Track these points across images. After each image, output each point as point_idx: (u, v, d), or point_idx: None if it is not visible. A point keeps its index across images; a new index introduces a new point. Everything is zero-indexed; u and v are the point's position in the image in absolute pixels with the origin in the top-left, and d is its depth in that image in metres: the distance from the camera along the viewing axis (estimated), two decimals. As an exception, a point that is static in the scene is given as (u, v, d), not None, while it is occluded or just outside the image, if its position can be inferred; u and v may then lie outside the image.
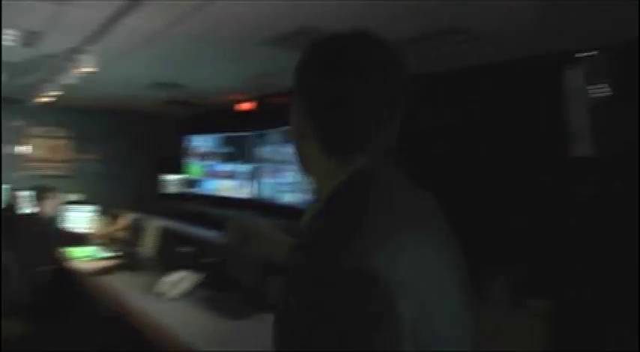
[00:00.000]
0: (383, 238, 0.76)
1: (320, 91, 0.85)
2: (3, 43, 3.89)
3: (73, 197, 6.71)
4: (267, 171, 5.73)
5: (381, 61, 0.84)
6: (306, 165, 0.94)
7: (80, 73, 4.01)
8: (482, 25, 3.27)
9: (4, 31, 3.59)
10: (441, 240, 0.87)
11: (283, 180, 5.34)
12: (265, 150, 5.80)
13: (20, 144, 7.56)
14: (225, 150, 6.69)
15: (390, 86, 0.84)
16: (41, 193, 4.37)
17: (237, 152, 6.45)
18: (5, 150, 7.41)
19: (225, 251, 3.27)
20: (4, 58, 4.42)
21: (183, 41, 3.80)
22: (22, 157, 7.58)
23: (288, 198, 5.19)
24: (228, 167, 6.59)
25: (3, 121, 7.34)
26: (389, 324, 0.71)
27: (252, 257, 2.79)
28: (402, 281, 0.73)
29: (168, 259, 3.73)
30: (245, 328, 2.54)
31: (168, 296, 2.96)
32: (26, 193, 4.85)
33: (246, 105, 6.43)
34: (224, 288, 3.16)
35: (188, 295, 3.03)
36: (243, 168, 6.30)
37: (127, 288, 3.22)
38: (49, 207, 4.38)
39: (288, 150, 5.18)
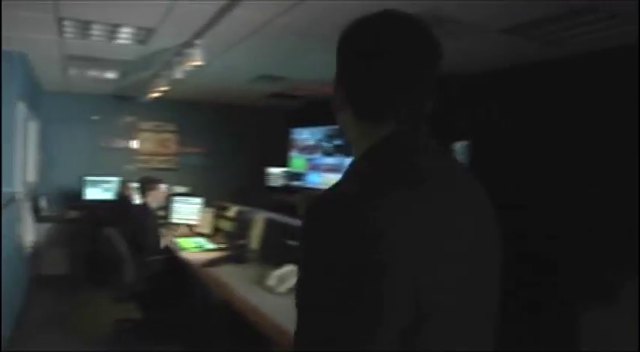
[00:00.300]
0: (392, 198, 0.81)
1: (351, 63, 0.96)
2: (119, 41, 4.09)
3: (180, 189, 7.00)
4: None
5: (407, 36, 0.92)
6: (346, 132, 1.01)
7: (189, 67, 4.12)
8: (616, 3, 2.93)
9: (121, 29, 3.76)
10: (464, 210, 0.89)
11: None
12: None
13: (131, 138, 8.01)
14: (330, 143, 6.65)
15: (416, 58, 0.91)
16: (147, 185, 4.56)
17: (342, 145, 6.39)
18: (117, 144, 7.89)
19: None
20: (120, 56, 4.67)
21: (287, 33, 3.77)
22: (133, 151, 8.03)
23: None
24: (333, 160, 6.55)
25: (117, 117, 7.83)
26: (379, 278, 0.76)
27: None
28: (401, 241, 0.78)
29: (274, 252, 3.74)
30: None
31: (278, 290, 2.94)
32: (136, 185, 5.09)
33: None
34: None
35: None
36: (346, 161, 6.23)
37: (235, 281, 3.24)
38: (154, 198, 4.55)
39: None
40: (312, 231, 0.85)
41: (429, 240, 0.81)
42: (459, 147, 3.82)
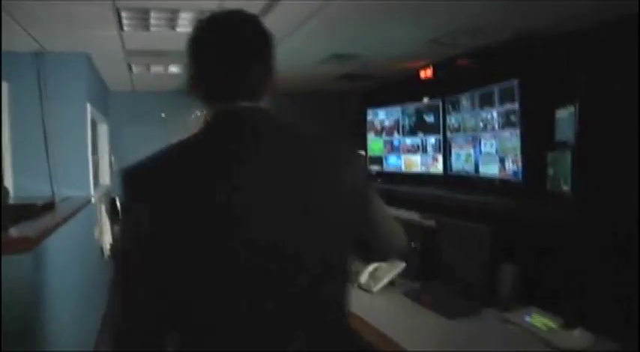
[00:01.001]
0: (172, 161, 1.11)
1: (188, 56, 1.19)
2: (179, 29, 3.97)
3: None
4: (459, 141, 5.22)
5: (218, 33, 1.14)
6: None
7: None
8: None
9: (180, 15, 3.63)
10: (268, 178, 1.05)
11: (478, 151, 4.81)
12: (455, 118, 5.30)
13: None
14: (409, 122, 6.31)
15: (224, 50, 1.12)
16: None
17: (422, 123, 6.03)
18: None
19: (431, 234, 2.91)
20: (182, 47, 4.56)
21: (357, 6, 3.51)
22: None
23: (486, 170, 4.65)
24: (414, 140, 6.21)
25: (186, 112, 7.85)
26: (132, 223, 1.08)
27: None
28: (174, 200, 1.03)
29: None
30: (471, 328, 2.16)
31: (370, 289, 2.69)
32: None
33: (426, 73, 5.99)
34: (432, 278, 2.81)
35: (391, 287, 2.73)
36: (430, 140, 5.87)
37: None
38: None
39: (484, 115, 4.64)
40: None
41: (180, 205, 1.02)
42: (564, 113, 3.39)
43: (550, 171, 3.42)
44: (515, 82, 4.12)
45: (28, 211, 3.27)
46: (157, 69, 5.70)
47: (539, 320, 2.05)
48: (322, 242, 1.11)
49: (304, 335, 1.09)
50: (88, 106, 4.71)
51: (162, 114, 7.68)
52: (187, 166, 1.09)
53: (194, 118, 7.94)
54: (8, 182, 4.43)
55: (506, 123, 4.28)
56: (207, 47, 1.16)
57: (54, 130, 4.49)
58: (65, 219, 3.12)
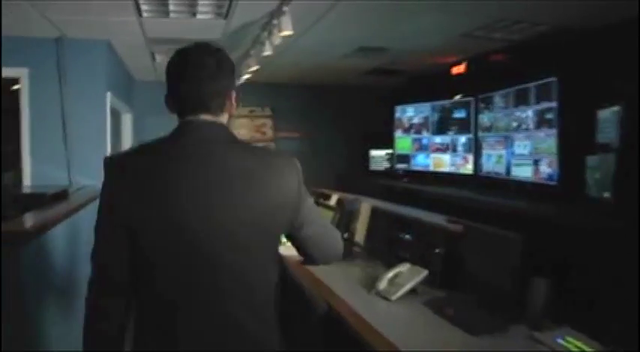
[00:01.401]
0: (136, 155, 1.38)
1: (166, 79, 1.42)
2: (199, 16, 3.85)
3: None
4: (490, 141, 4.98)
5: (180, 62, 1.38)
6: None
7: (279, 39, 3.79)
8: None
9: (199, 1, 3.51)
10: (191, 173, 1.30)
11: (510, 152, 4.57)
12: (486, 117, 5.06)
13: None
14: (438, 120, 6.08)
15: (185, 77, 1.36)
16: None
17: (453, 121, 5.80)
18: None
19: (457, 239, 2.70)
20: (203, 35, 4.45)
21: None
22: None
23: (518, 172, 4.41)
24: (443, 139, 5.98)
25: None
26: (103, 211, 1.33)
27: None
28: (136, 186, 1.28)
29: (383, 247, 3.31)
30: (496, 347, 1.96)
31: (388, 296, 2.50)
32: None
33: (458, 68, 5.76)
34: (457, 286, 2.61)
35: (411, 295, 2.53)
36: (461, 139, 5.64)
37: (337, 282, 2.85)
38: None
39: (518, 114, 4.40)
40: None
41: (141, 188, 1.28)
42: (607, 113, 3.14)
43: (589, 176, 3.19)
44: (553, 79, 3.87)
45: (38, 201, 3.18)
46: (180, 58, 5.58)
47: (573, 344, 1.84)
48: (250, 232, 1.33)
49: (235, 306, 1.34)
50: (109, 95, 4.61)
51: (187, 106, 7.58)
52: (148, 160, 1.34)
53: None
54: (26, 169, 4.37)
55: (541, 122, 4.03)
56: (174, 72, 1.40)
57: (73, 118, 4.43)
58: (69, 213, 3.00)
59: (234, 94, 1.45)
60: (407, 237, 3.12)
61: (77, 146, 4.40)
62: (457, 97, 5.77)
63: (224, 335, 1.34)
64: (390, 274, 2.60)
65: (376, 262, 3.19)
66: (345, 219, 3.46)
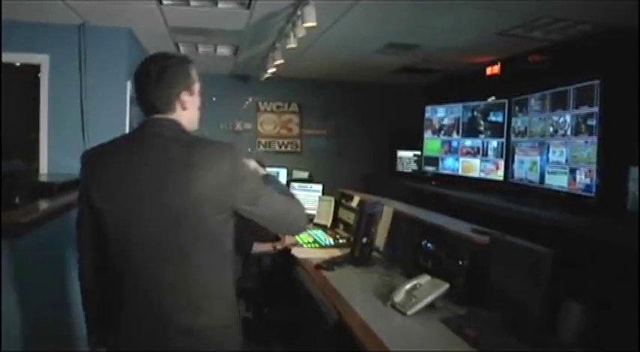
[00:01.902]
0: (95, 150, 1.63)
1: None
2: (220, 5, 3.72)
3: (300, 174, 6.63)
4: (524, 146, 4.73)
5: (138, 69, 1.62)
6: None
7: (304, 30, 3.64)
8: None
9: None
10: (144, 162, 1.54)
11: (545, 158, 4.32)
12: (520, 121, 4.81)
13: (251, 120, 7.82)
14: (470, 122, 5.84)
15: (140, 80, 1.61)
16: None
17: (485, 124, 5.55)
18: (238, 126, 7.75)
19: (482, 251, 2.50)
20: (226, 25, 4.33)
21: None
22: (254, 133, 7.85)
23: (553, 181, 4.16)
24: (474, 142, 5.73)
25: (237, 98, 7.67)
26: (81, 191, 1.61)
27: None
28: (96, 174, 1.56)
29: (404, 255, 3.13)
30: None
31: (404, 310, 2.32)
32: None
33: (493, 69, 5.52)
34: (479, 303, 2.41)
35: (429, 309, 2.35)
36: (492, 143, 5.39)
37: (351, 291, 2.69)
38: None
39: (555, 119, 4.15)
40: None
41: (100, 176, 1.55)
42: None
43: (632, 188, 2.95)
44: (596, 82, 3.61)
45: (48, 190, 3.10)
46: (205, 49, 5.51)
47: (609, 377, 1.65)
48: (193, 215, 1.53)
49: (182, 285, 1.56)
50: (129, 84, 4.52)
51: (214, 98, 7.51)
52: (111, 153, 1.60)
53: (248, 105, 7.76)
54: (43, 157, 4.32)
55: (580, 128, 3.78)
56: (136, 78, 1.62)
57: (92, 106, 4.36)
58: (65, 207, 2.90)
59: (186, 93, 1.63)
60: (429, 245, 2.93)
61: (95, 135, 4.32)
62: (491, 99, 5.52)
63: (161, 303, 1.56)
64: (408, 285, 2.43)
65: (395, 270, 3.03)
66: (364, 222, 3.28)
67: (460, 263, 2.57)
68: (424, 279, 2.45)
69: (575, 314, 1.91)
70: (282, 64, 5.10)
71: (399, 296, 2.39)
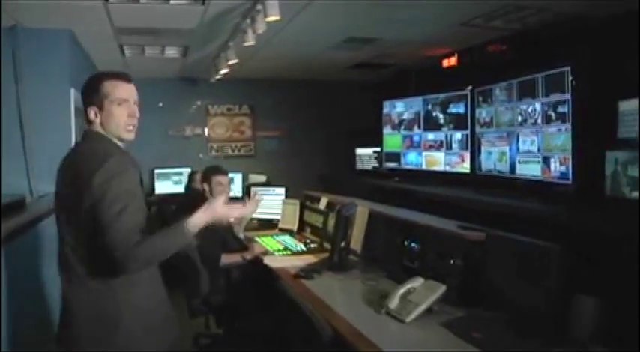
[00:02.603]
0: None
1: None
2: (172, 2, 3.53)
3: (257, 178, 6.45)
4: (490, 137, 4.74)
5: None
6: None
7: (264, 26, 3.49)
8: None
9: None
10: (65, 173, 1.87)
11: (515, 148, 4.33)
12: (485, 112, 4.82)
13: (201, 124, 7.59)
14: (431, 115, 5.82)
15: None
16: (207, 176, 3.92)
17: (447, 117, 5.54)
18: (187, 131, 7.50)
19: (476, 249, 2.43)
20: (178, 24, 4.13)
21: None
22: (204, 138, 7.63)
23: (525, 170, 4.16)
24: (437, 135, 5.72)
25: (185, 102, 7.42)
26: None
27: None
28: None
29: (385, 257, 3.03)
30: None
31: (402, 317, 2.21)
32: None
33: (449, 61, 5.53)
34: (476, 303, 2.33)
35: (426, 314, 2.25)
36: (456, 135, 5.38)
37: (339, 300, 2.57)
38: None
39: (524, 108, 4.15)
40: None
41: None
42: (630, 106, 2.91)
43: (609, 174, 2.95)
44: (567, 69, 3.62)
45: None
46: (152, 52, 5.27)
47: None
48: (72, 220, 1.79)
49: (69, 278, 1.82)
50: (72, 91, 4.24)
51: (160, 103, 7.24)
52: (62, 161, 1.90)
53: (196, 108, 7.52)
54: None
55: (552, 116, 3.78)
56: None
57: (32, 118, 4.02)
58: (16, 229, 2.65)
59: (92, 108, 1.87)
60: (414, 245, 2.84)
61: (37, 149, 4.01)
62: (451, 91, 5.52)
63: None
64: (402, 290, 2.33)
65: (377, 273, 2.92)
66: (342, 225, 3.16)
67: (452, 262, 2.49)
68: (418, 282, 2.36)
69: (588, 308, 1.85)
70: (234, 64, 4.93)
71: (393, 303, 2.28)
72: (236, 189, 6.19)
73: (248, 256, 3.66)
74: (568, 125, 3.59)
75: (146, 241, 1.71)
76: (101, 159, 1.72)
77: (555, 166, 3.72)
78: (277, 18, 3.28)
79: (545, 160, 3.85)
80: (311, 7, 3.73)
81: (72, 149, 1.92)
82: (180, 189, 6.60)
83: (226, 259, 3.65)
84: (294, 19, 4.01)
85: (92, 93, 1.85)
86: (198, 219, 1.89)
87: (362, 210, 3.41)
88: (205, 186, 3.83)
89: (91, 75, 1.92)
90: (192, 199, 5.29)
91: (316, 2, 3.60)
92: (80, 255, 1.75)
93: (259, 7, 3.36)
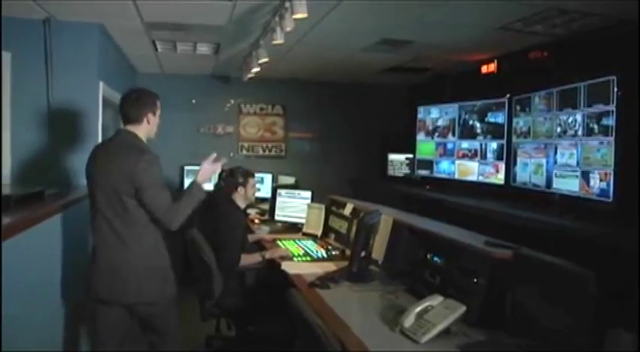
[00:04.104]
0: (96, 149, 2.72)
1: None
2: None
3: (286, 180, 6.35)
4: (527, 148, 4.51)
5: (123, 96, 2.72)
6: None
7: (292, 22, 3.38)
8: None
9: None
10: (112, 158, 2.55)
11: (552, 161, 4.10)
12: (523, 121, 4.59)
13: (232, 123, 7.54)
14: (467, 123, 5.61)
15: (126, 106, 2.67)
16: (234, 179, 3.85)
17: (483, 125, 5.33)
18: (219, 129, 7.45)
19: (502, 268, 2.24)
20: (207, 20, 4.05)
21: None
22: (236, 137, 7.57)
23: (562, 185, 3.93)
24: (471, 144, 5.50)
25: (218, 100, 7.38)
26: None
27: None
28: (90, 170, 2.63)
29: (407, 269, 2.87)
30: None
31: (416, 337, 2.05)
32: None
33: (488, 67, 5.32)
34: (497, 326, 2.14)
35: (443, 335, 2.09)
36: (492, 145, 5.16)
37: (352, 313, 2.42)
38: (243, 196, 3.84)
39: (563, 118, 3.92)
40: None
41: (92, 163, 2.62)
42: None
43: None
44: (612, 78, 3.38)
45: (5, 204, 2.75)
46: (184, 48, 5.23)
47: None
48: (120, 196, 2.49)
49: (128, 239, 2.56)
50: (101, 85, 4.21)
51: (193, 100, 7.21)
52: (93, 152, 2.67)
53: (229, 107, 7.47)
54: (6, 165, 3.96)
55: (594, 129, 3.55)
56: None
57: (60, 108, 4.01)
58: (28, 221, 2.59)
59: (150, 113, 2.67)
60: (437, 259, 2.67)
61: (65, 140, 3.99)
62: (489, 99, 5.30)
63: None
64: (419, 308, 2.17)
65: (398, 286, 2.78)
66: (363, 234, 3.01)
67: (475, 280, 2.31)
68: (436, 300, 2.20)
69: (624, 345, 1.65)
70: (266, 63, 4.83)
71: (408, 321, 2.13)
72: (265, 190, 6.11)
73: (267, 255, 3.59)
74: (611, 139, 3.36)
75: (177, 203, 2.57)
76: (140, 152, 2.51)
77: (595, 182, 3.48)
78: (305, 15, 3.17)
79: (584, 175, 3.61)
80: (341, 7, 3.60)
81: (109, 141, 2.69)
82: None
83: (245, 260, 3.57)
84: (325, 19, 3.89)
85: (152, 104, 2.69)
86: (202, 176, 2.78)
87: (386, 219, 3.25)
88: (239, 189, 3.81)
89: (147, 90, 2.75)
90: (213, 199, 5.23)
91: (346, 2, 3.47)
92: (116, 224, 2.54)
93: (287, 4, 3.26)
